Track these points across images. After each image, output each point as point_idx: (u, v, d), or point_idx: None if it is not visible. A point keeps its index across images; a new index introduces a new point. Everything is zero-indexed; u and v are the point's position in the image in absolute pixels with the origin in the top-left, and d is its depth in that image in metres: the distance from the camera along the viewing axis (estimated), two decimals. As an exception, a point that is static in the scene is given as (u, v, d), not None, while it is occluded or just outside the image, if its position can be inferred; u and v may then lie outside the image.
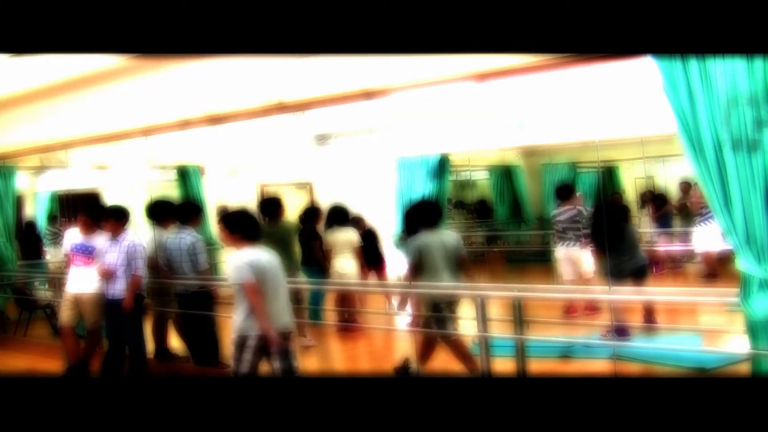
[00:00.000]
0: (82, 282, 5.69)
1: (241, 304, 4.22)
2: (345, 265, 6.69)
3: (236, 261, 4.23)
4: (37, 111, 6.03)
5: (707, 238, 7.40)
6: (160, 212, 6.13)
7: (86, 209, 6.01)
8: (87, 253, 5.71)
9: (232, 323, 4.28)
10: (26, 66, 5.19)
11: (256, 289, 4.14)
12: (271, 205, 6.57)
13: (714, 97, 2.95)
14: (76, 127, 5.97)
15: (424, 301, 5.02)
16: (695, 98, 3.01)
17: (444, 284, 4.87)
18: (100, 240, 5.67)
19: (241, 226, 4.35)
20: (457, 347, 4.89)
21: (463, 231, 10.90)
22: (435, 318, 4.89)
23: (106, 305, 5.51)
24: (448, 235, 5.12)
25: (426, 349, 5.08)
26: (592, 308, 6.55)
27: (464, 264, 5.09)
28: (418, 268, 4.99)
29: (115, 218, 5.48)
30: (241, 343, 4.22)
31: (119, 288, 5.37)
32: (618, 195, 9.05)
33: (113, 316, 5.44)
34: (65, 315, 5.79)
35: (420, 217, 5.19)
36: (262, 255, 4.27)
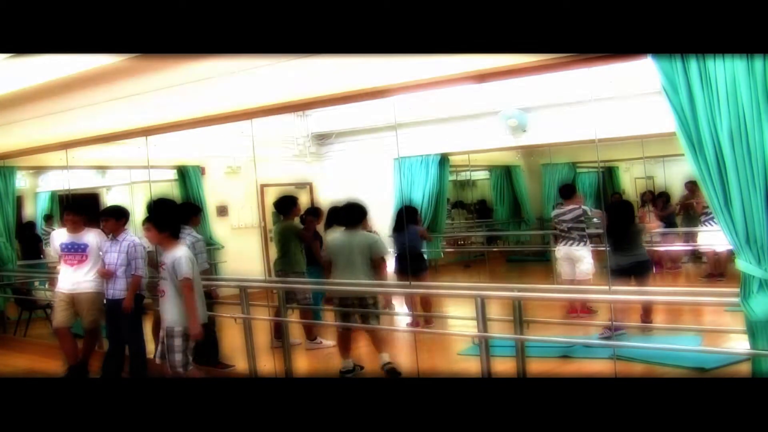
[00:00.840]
0: (76, 281, 5.66)
1: (175, 298, 4.51)
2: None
3: (185, 256, 4.49)
4: (37, 111, 6.02)
5: (714, 237, 7.38)
6: (160, 212, 6.13)
7: (70, 207, 5.98)
8: (77, 251, 5.67)
9: (167, 316, 4.56)
10: (26, 66, 5.19)
11: (191, 285, 4.47)
12: (286, 203, 6.77)
13: (713, 97, 2.94)
14: (76, 127, 5.96)
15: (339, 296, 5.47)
16: (695, 98, 3.00)
17: (445, 284, 4.96)
18: (90, 237, 5.65)
19: (170, 225, 4.61)
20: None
21: (463, 231, 10.92)
22: (346, 313, 5.40)
23: (106, 305, 5.50)
24: (361, 237, 5.44)
25: (346, 340, 5.57)
26: (588, 310, 6.56)
27: (378, 265, 5.41)
28: (329, 265, 5.54)
29: (115, 218, 5.47)
30: (172, 334, 4.53)
31: (119, 288, 5.37)
32: (618, 195, 9.05)
33: (113, 316, 5.44)
34: (59, 316, 5.71)
35: (337, 217, 5.67)
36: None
